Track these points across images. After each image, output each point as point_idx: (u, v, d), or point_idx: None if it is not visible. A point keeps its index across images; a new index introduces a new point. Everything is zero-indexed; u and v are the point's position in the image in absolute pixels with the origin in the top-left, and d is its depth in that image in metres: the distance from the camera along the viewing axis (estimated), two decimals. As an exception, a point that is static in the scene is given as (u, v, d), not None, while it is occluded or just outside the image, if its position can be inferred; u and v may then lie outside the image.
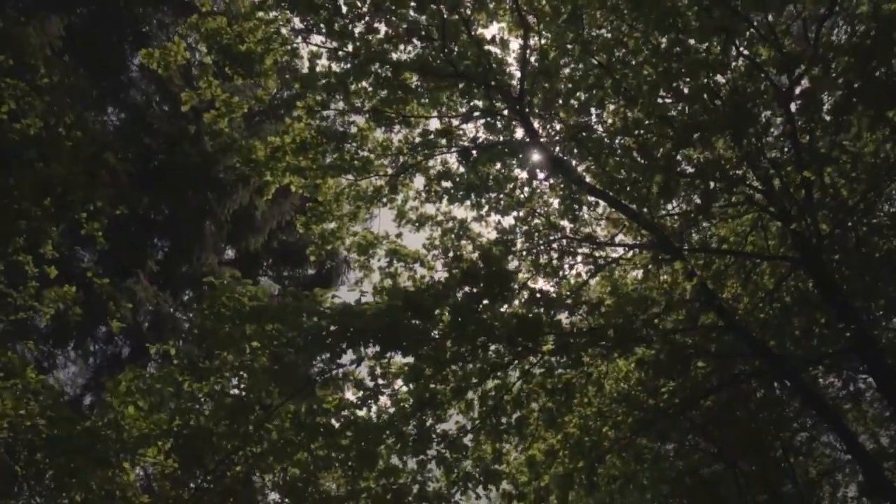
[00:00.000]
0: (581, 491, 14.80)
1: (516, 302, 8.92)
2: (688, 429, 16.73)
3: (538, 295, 8.64)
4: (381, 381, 9.55)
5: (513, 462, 14.29)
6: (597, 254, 13.66)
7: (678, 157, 10.98)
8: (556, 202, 12.90)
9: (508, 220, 13.56)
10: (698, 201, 12.70)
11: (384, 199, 13.07)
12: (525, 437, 11.74)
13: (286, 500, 7.61)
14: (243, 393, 6.97)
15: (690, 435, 17.30)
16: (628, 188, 11.34)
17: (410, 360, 9.32)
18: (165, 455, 7.07)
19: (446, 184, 12.70)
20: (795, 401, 17.29)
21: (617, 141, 12.07)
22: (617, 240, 13.77)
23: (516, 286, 8.58)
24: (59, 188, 7.26)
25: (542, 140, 11.96)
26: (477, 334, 8.08)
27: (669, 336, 10.84)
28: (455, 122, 12.10)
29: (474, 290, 7.83)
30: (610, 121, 12.60)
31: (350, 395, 8.74)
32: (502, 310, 8.09)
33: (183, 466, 7.16)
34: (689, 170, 11.89)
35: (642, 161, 10.12)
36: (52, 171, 7.20)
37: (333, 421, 7.83)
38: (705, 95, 10.67)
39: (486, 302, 7.83)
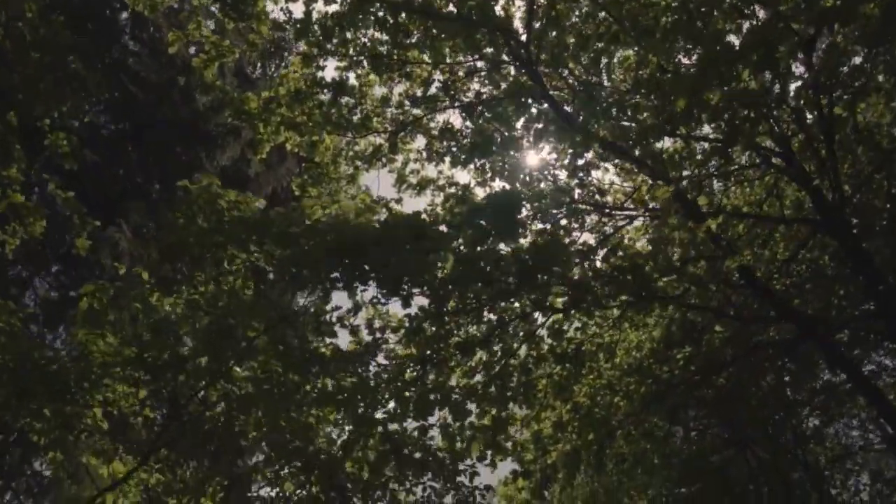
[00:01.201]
0: (589, 470, 13.90)
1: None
2: (698, 408, 15.83)
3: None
4: (379, 336, 8.67)
5: (519, 439, 13.42)
6: (606, 220, 12.82)
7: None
8: (564, 164, 12.01)
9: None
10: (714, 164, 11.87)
11: (383, 160, 12.19)
12: (532, 405, 10.81)
13: (272, 453, 6.69)
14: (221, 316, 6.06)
15: (701, 415, 16.38)
16: (643, 142, 10.47)
17: (411, 311, 8.45)
18: (132, 384, 6.11)
19: (449, 143, 11.83)
20: (808, 381, 16.46)
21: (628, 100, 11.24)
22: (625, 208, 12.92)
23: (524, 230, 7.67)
24: (20, 95, 6.40)
25: (550, 93, 11.12)
26: (484, 274, 7.20)
27: (689, 291, 9.94)
28: (458, 74, 11.24)
29: (481, 223, 6.96)
30: (621, 77, 11.79)
31: (346, 343, 7.81)
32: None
33: (155, 399, 6.24)
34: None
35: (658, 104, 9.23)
36: (14, 78, 6.35)
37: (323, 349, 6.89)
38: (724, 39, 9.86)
39: (493, 239, 6.94)
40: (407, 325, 8.63)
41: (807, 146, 10.96)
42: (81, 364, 5.76)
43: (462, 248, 7.64)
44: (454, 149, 12.07)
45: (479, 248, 7.15)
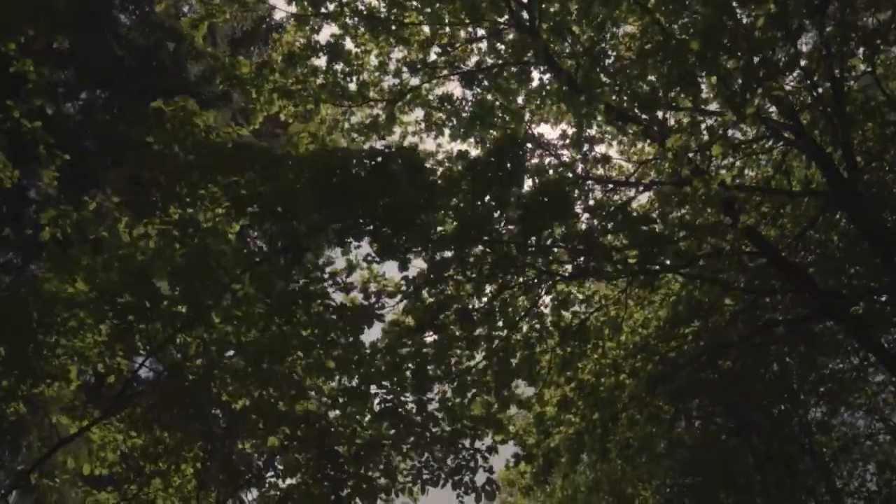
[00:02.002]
0: (592, 455, 13.31)
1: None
2: (703, 395, 15.25)
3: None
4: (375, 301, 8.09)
5: (521, 423, 12.83)
6: (611, 196, 12.26)
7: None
8: (568, 134, 11.45)
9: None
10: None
11: (381, 132, 11.62)
12: (535, 381, 10.22)
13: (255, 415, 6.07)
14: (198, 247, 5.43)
15: (706, 403, 15.79)
16: (651, 107, 9.92)
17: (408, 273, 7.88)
18: (97, 321, 5.48)
19: (449, 113, 11.28)
20: (817, 365, 15.91)
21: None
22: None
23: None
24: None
25: (553, 59, 10.59)
26: (485, 230, 6.65)
27: (698, 260, 9.37)
28: (459, 38, 10.70)
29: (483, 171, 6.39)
30: (627, 44, 11.27)
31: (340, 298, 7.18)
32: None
33: (122, 342, 5.61)
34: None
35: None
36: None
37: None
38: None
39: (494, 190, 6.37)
40: (404, 288, 8.06)
41: (819, 115, 10.43)
42: (42, 303, 5.16)
43: (462, 203, 7.10)
44: (454, 120, 11.54)
45: (480, 202, 6.59)
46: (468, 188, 6.57)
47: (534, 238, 7.44)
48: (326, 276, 6.46)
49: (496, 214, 6.68)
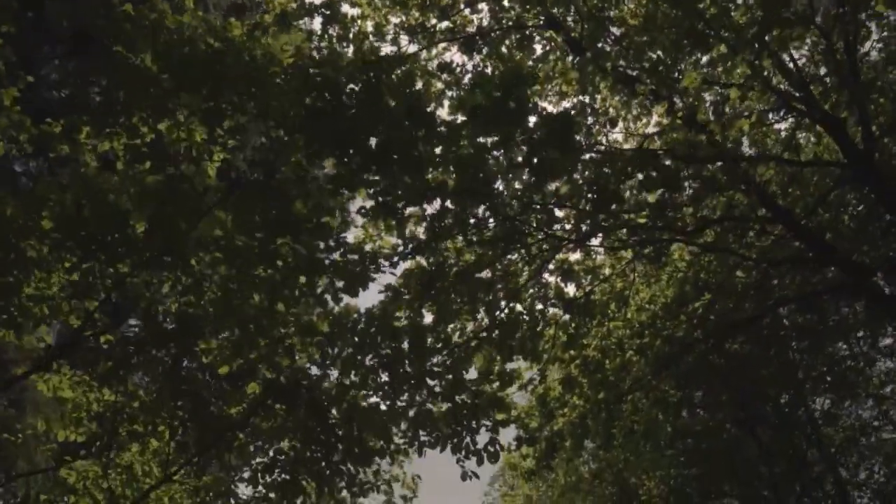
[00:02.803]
0: (597, 440, 12.72)
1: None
2: (709, 382, 14.70)
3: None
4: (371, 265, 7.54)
5: (522, 406, 12.25)
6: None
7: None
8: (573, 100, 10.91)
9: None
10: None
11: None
12: (539, 357, 9.64)
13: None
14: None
15: (713, 388, 15.21)
16: (659, 69, 9.39)
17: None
18: (60, 257, 4.84)
19: (447, 81, 10.72)
20: (822, 351, 15.40)
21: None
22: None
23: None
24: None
25: (558, 22, 10.08)
26: (487, 182, 6.12)
27: (709, 226, 8.82)
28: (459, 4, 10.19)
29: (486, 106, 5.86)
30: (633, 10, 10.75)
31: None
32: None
33: (87, 279, 4.98)
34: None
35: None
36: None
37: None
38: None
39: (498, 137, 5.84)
40: (401, 248, 7.52)
41: (833, 80, 9.92)
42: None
43: (463, 152, 6.56)
44: (454, 90, 11.00)
45: (483, 140, 6.05)
46: (470, 134, 6.04)
47: (538, 196, 6.89)
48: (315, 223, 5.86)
49: (500, 159, 6.15)
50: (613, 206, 6.74)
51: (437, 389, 7.31)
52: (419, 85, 9.04)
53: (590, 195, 6.14)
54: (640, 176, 6.55)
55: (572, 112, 10.47)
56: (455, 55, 11.04)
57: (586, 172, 6.72)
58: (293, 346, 5.98)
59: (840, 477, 17.13)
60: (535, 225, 8.14)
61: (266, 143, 5.10)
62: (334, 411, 5.90)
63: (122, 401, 5.92)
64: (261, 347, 5.34)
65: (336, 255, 6.14)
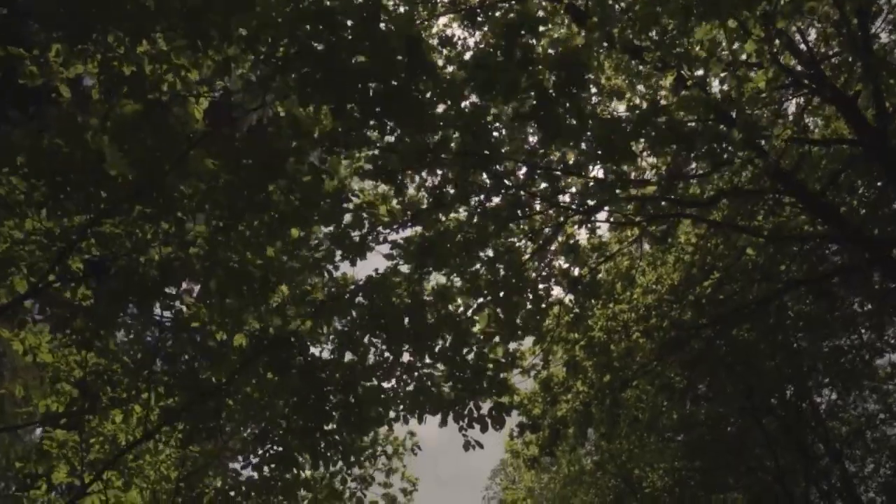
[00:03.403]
0: (601, 427, 12.30)
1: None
2: (714, 371, 14.29)
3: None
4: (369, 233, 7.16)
5: (524, 392, 11.85)
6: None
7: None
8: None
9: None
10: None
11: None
12: (543, 335, 9.25)
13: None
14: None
15: (719, 376, 14.80)
16: (666, 40, 9.01)
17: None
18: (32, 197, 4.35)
19: (448, 56, 10.34)
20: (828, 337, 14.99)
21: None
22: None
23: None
24: None
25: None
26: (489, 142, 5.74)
27: (721, 196, 8.43)
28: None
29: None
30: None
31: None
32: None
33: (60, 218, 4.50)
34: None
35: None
36: None
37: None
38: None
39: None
40: (399, 209, 7.12)
41: (848, 49, 9.55)
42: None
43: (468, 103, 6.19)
44: (454, 67, 10.62)
45: (488, 92, 5.66)
46: (474, 87, 5.66)
47: (545, 158, 6.50)
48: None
49: (507, 109, 5.78)
50: (624, 167, 6.35)
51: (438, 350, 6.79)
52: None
53: (599, 151, 5.75)
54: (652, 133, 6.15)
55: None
56: (457, 30, 10.67)
57: (596, 128, 6.31)
58: (285, 305, 5.57)
59: (846, 470, 16.76)
60: (539, 196, 7.76)
61: (255, 81, 4.70)
62: (329, 383, 5.49)
63: (104, 363, 5.51)
64: (247, 297, 4.92)
65: (327, 206, 5.62)
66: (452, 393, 5.72)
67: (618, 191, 6.53)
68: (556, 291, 9.40)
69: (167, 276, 4.64)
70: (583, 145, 6.06)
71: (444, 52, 10.42)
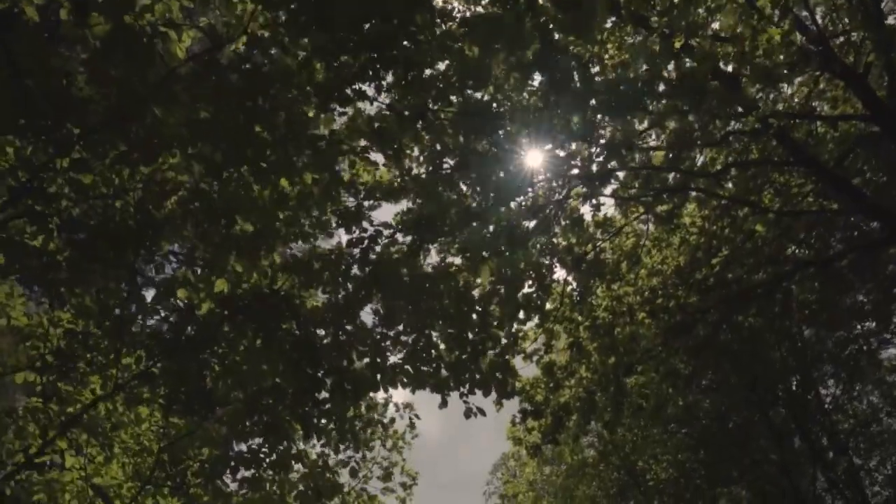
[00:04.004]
0: (605, 415, 11.90)
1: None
2: (719, 361, 13.91)
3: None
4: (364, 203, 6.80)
5: (526, 379, 11.46)
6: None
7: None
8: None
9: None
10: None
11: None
12: (546, 315, 8.86)
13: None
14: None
15: (723, 366, 14.43)
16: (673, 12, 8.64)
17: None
18: None
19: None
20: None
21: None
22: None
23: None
24: None
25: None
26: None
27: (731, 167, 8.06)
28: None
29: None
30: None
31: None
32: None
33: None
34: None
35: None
36: None
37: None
38: None
39: None
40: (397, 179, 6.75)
41: (860, 18, 9.19)
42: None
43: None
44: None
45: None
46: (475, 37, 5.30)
47: (549, 113, 6.12)
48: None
49: (510, 59, 5.41)
50: (634, 122, 5.97)
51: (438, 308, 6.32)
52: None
53: (610, 103, 5.37)
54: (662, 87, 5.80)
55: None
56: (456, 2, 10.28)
57: (605, 83, 5.94)
58: (274, 266, 5.18)
59: (853, 462, 16.41)
60: (543, 165, 7.40)
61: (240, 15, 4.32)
62: (321, 348, 5.09)
63: (81, 323, 5.10)
64: (230, 243, 4.50)
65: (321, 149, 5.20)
66: (452, 357, 5.32)
67: (624, 151, 6.16)
68: (560, 273, 9.03)
69: (146, 227, 4.26)
70: (592, 101, 5.68)
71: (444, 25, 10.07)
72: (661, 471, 15.56)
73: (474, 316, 5.48)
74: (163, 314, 4.92)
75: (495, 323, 5.58)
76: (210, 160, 4.09)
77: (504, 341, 7.63)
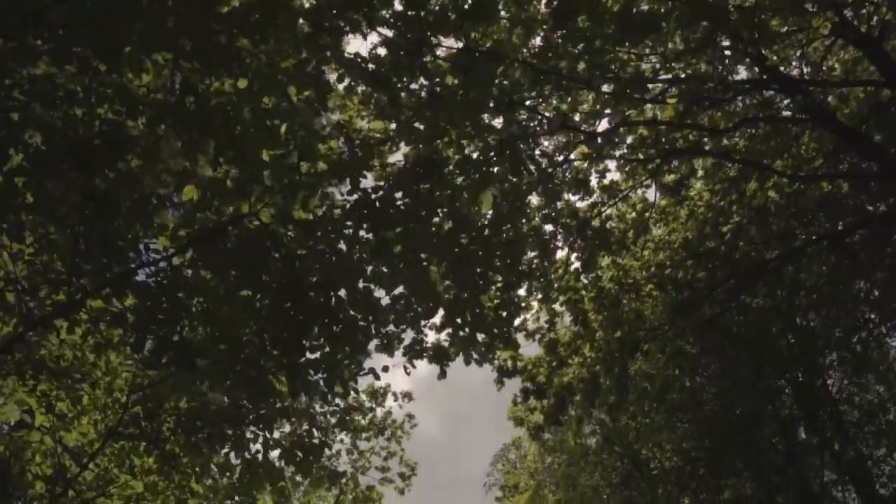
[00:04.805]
0: (610, 397, 11.41)
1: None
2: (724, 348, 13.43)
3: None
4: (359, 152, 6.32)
5: (528, 358, 10.99)
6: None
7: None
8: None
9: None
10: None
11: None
12: (550, 284, 8.39)
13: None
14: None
15: (729, 351, 13.95)
16: None
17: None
18: None
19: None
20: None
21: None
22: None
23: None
24: None
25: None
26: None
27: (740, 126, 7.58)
28: None
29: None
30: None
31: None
32: None
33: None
34: None
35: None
36: None
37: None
38: None
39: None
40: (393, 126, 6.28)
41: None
42: None
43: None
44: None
45: None
46: None
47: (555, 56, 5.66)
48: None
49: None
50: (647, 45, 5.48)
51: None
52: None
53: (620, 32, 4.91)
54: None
55: None
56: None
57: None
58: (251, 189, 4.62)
59: (862, 453, 15.94)
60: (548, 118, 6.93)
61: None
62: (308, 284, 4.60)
63: (46, 258, 4.58)
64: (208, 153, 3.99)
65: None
66: (451, 293, 4.84)
67: (636, 95, 5.69)
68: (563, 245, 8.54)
69: (114, 143, 3.77)
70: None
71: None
72: (666, 459, 15.06)
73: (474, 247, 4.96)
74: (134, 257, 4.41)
75: (498, 253, 5.06)
76: (183, 69, 3.64)
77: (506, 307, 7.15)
